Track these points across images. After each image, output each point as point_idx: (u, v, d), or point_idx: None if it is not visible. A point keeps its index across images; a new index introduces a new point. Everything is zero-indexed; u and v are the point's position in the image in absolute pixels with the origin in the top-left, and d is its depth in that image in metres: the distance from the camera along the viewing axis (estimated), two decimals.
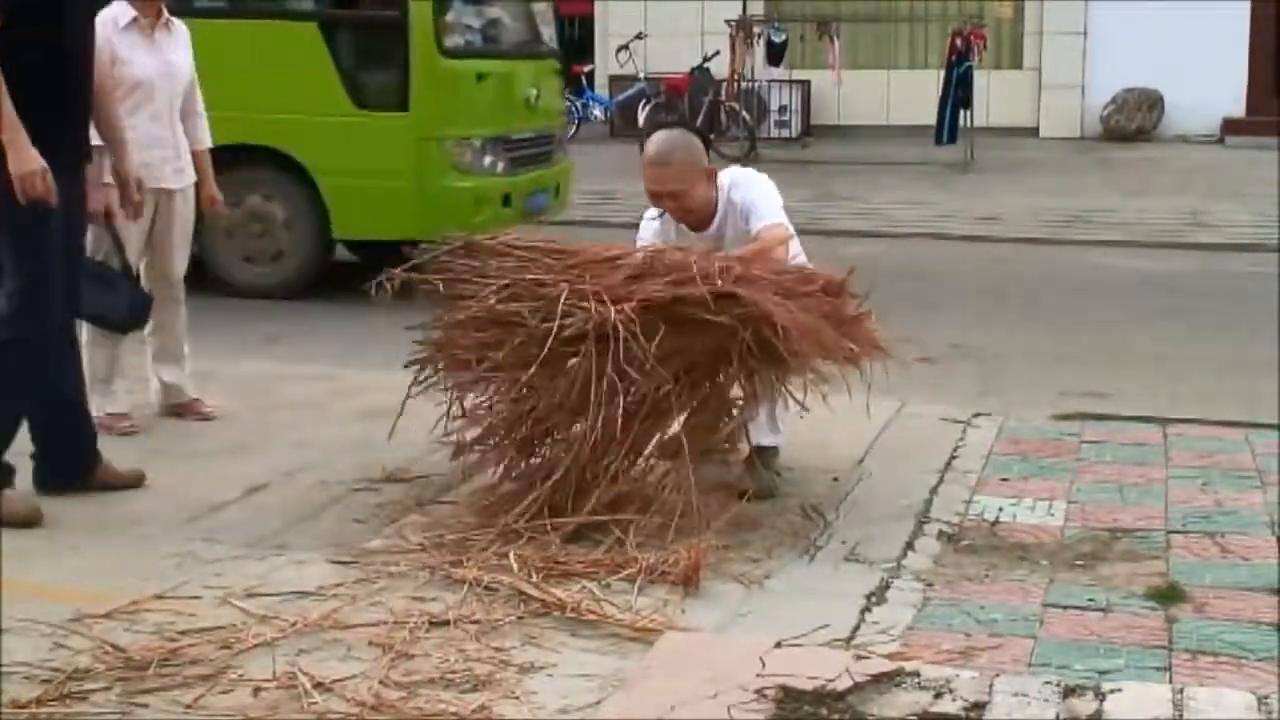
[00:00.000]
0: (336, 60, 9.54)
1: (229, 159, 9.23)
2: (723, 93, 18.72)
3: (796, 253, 5.38)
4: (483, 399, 5.15)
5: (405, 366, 5.26)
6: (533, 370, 4.87)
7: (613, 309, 4.75)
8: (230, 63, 9.10)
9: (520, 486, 5.03)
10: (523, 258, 5.11)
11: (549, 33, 11.14)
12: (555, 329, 4.80)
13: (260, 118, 9.50)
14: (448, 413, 5.18)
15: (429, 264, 5.19)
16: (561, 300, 4.83)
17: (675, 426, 5.05)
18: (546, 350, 4.82)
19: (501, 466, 5.12)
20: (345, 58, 9.61)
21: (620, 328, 4.71)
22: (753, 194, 5.36)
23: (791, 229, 5.36)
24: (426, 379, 5.22)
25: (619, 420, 4.80)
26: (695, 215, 5.39)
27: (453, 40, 9.69)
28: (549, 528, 4.76)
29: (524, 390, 4.97)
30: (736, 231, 5.36)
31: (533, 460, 5.12)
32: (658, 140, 5.40)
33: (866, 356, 5.12)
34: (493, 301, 4.99)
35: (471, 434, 5.17)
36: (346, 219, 9.70)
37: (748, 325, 4.79)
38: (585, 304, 4.80)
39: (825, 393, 5.07)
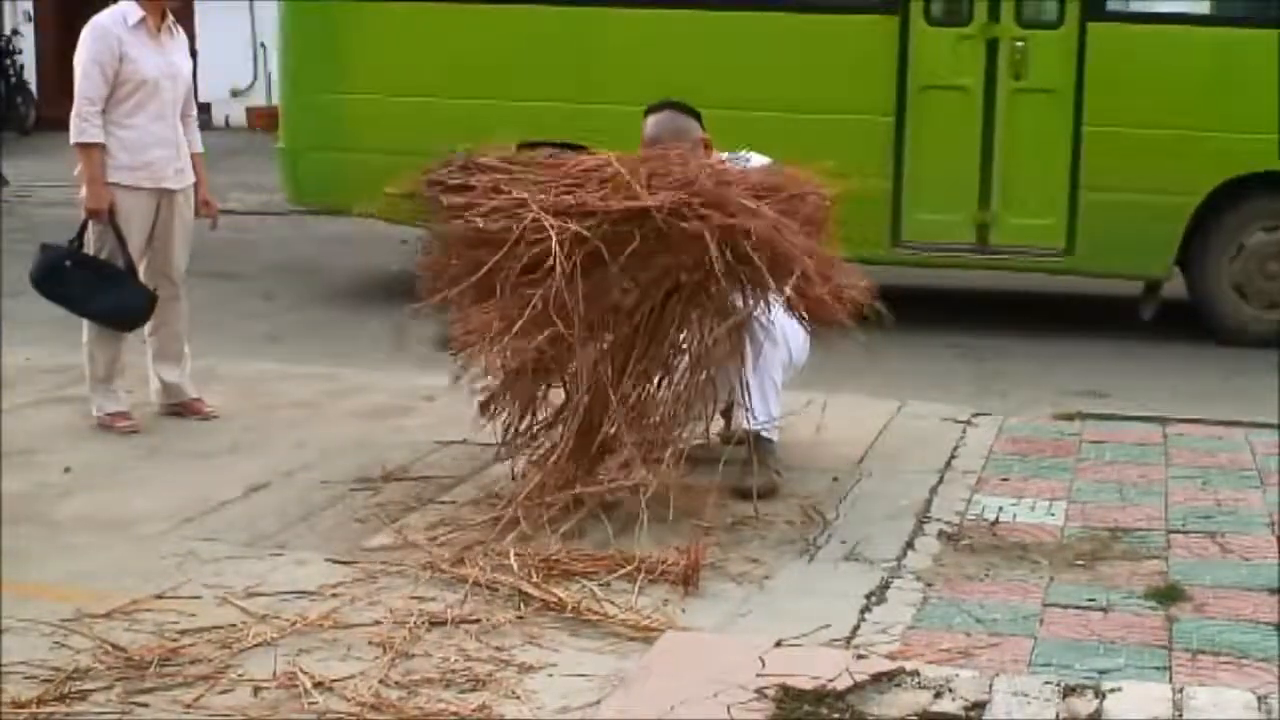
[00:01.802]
0: None
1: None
2: None
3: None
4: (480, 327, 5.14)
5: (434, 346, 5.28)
6: (507, 292, 4.91)
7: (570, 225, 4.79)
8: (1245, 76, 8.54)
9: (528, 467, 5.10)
10: (516, 174, 5.12)
11: None
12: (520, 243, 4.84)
13: None
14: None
15: (425, 178, 5.21)
16: (535, 216, 4.86)
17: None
18: (525, 272, 4.86)
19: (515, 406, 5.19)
20: None
21: (559, 241, 4.74)
22: (746, 158, 5.54)
23: None
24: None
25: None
26: None
27: None
28: (550, 503, 4.82)
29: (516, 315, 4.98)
30: None
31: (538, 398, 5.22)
32: (653, 124, 5.56)
33: (844, 300, 5.11)
34: (480, 223, 4.99)
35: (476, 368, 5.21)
36: None
37: (719, 236, 4.82)
38: (564, 220, 4.84)
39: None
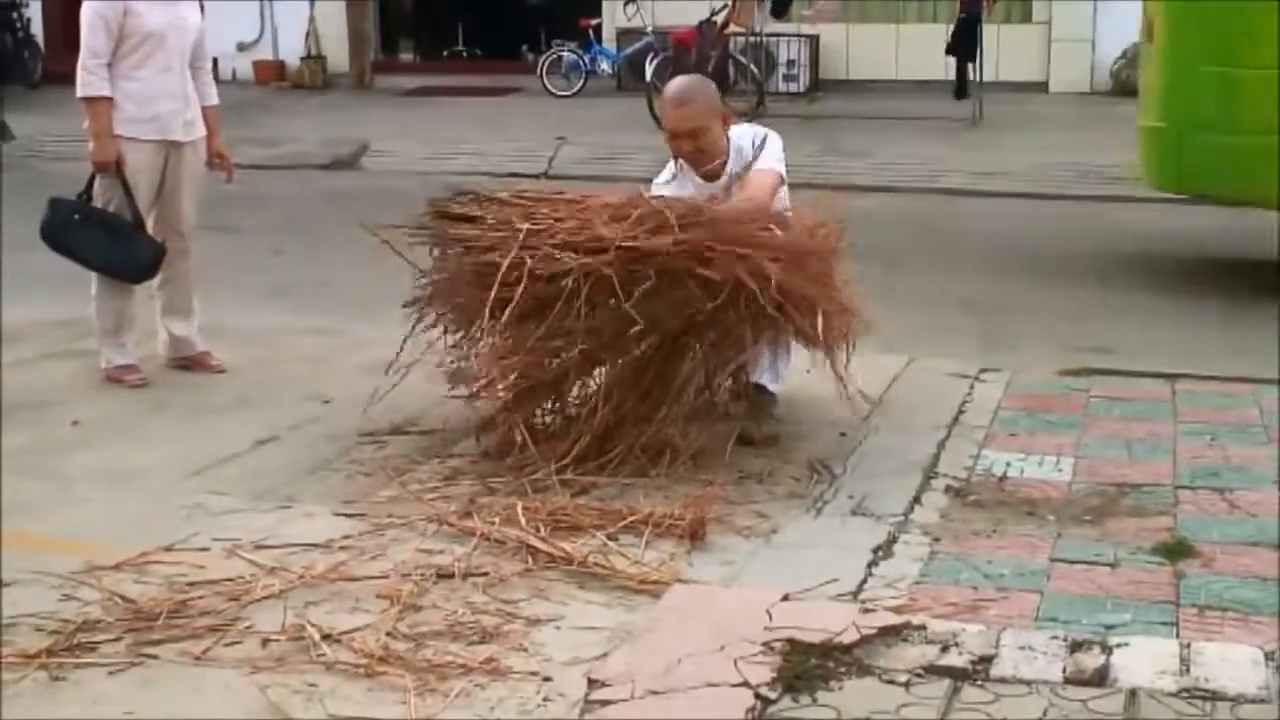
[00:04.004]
0: None
1: None
2: (730, 46, 18.56)
3: (783, 200, 5.50)
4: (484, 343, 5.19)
5: (404, 306, 5.30)
6: (506, 316, 4.93)
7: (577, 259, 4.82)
8: None
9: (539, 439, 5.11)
10: (526, 207, 5.15)
11: None
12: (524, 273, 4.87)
13: None
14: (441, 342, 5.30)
15: (430, 208, 5.28)
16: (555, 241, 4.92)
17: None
18: (531, 299, 4.90)
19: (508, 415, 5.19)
20: None
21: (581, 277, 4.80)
22: (758, 143, 5.56)
23: (784, 178, 5.51)
24: (423, 319, 5.28)
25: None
26: (709, 159, 5.52)
27: None
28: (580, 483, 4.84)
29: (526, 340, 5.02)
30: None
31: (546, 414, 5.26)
32: (677, 84, 5.66)
33: (849, 322, 5.22)
34: (490, 253, 5.00)
35: (481, 381, 5.23)
36: None
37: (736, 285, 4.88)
38: (574, 254, 4.88)
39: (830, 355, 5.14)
